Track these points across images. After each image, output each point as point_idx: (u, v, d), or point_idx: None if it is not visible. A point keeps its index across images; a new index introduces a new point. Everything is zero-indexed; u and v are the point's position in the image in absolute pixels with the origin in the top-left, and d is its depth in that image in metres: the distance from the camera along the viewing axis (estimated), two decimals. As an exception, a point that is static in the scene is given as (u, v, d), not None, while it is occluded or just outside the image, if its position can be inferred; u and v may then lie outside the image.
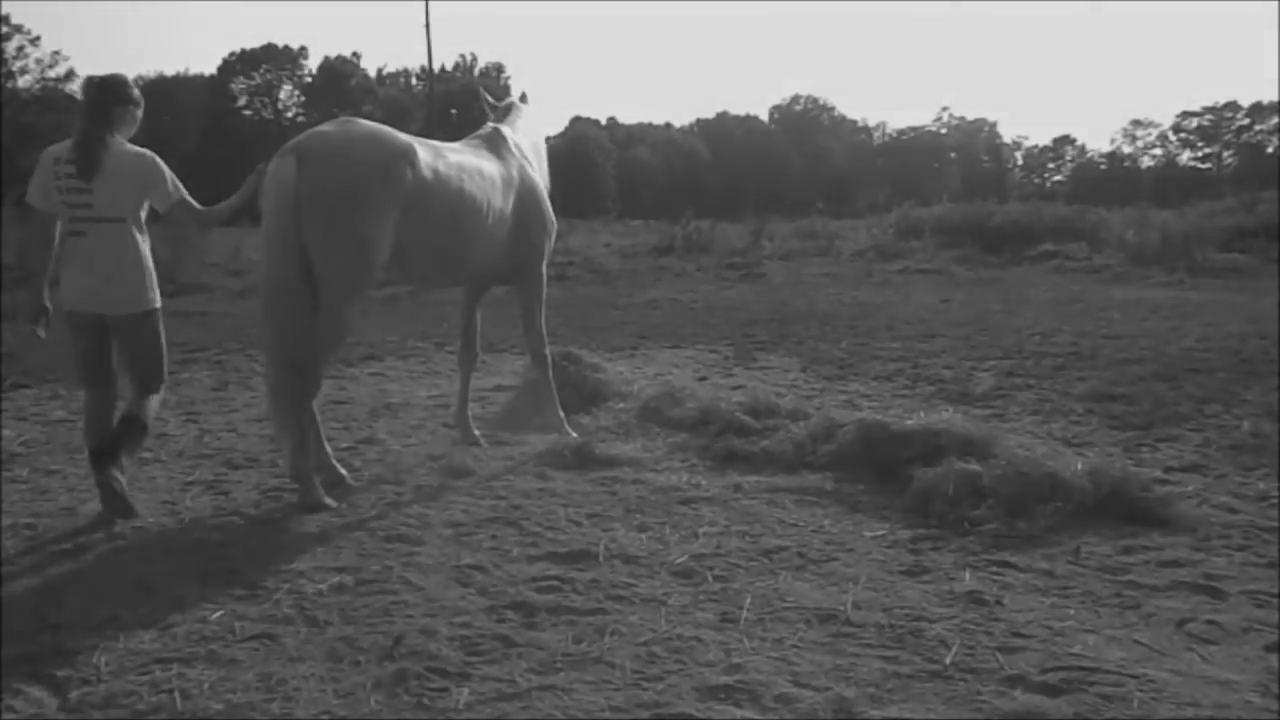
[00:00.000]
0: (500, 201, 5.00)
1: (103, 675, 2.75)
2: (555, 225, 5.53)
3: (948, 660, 2.81)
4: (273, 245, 4.23)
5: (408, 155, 4.43)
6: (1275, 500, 4.31)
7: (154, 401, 4.37)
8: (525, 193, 5.23)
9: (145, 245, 4.25)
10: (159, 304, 4.30)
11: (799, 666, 2.78)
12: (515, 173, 5.19)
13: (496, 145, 5.27)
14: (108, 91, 4.18)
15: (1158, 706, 2.55)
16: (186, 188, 4.34)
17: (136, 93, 4.32)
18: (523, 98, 6.03)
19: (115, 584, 3.45)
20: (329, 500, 4.36)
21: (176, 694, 2.63)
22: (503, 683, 2.70)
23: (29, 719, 2.55)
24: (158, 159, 4.22)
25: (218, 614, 3.16)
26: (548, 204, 5.43)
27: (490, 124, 5.51)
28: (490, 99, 5.94)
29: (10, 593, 3.38)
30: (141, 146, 4.31)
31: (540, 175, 5.51)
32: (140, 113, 4.35)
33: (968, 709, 2.56)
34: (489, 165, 5.03)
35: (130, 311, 4.19)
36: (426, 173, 4.51)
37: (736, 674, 2.72)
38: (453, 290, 5.81)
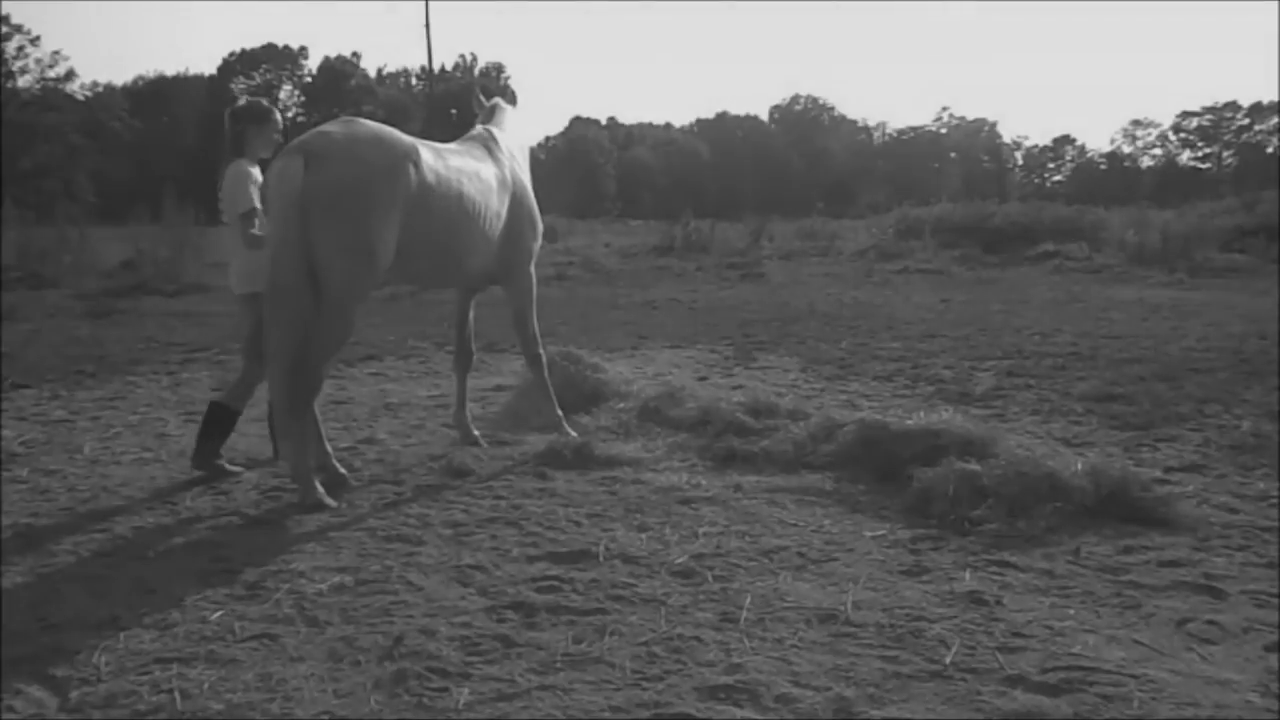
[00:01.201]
0: (496, 204, 5.02)
1: (103, 675, 2.75)
2: (541, 226, 5.54)
3: (948, 660, 2.81)
4: (278, 245, 4.23)
5: (411, 156, 4.44)
6: (1275, 500, 4.31)
7: (249, 384, 5.05)
8: (517, 194, 5.25)
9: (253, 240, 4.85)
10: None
11: (799, 666, 2.78)
12: (508, 175, 5.21)
13: (489, 147, 5.28)
14: (235, 119, 5.01)
15: (1158, 706, 2.55)
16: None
17: (262, 108, 5.10)
18: (510, 99, 6.04)
19: (115, 584, 3.45)
20: (329, 500, 4.36)
21: (176, 694, 2.63)
22: (503, 683, 2.70)
23: (29, 719, 2.55)
24: (241, 173, 4.87)
25: (218, 614, 3.16)
26: (536, 206, 5.45)
27: (480, 125, 5.52)
28: (482, 98, 5.95)
29: (10, 593, 3.38)
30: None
31: (526, 176, 5.52)
32: (271, 123, 5.04)
33: (968, 709, 2.56)
34: (485, 168, 5.04)
35: (236, 292, 5.04)
36: (429, 174, 4.52)
37: (736, 674, 2.72)
38: (448, 291, 5.82)
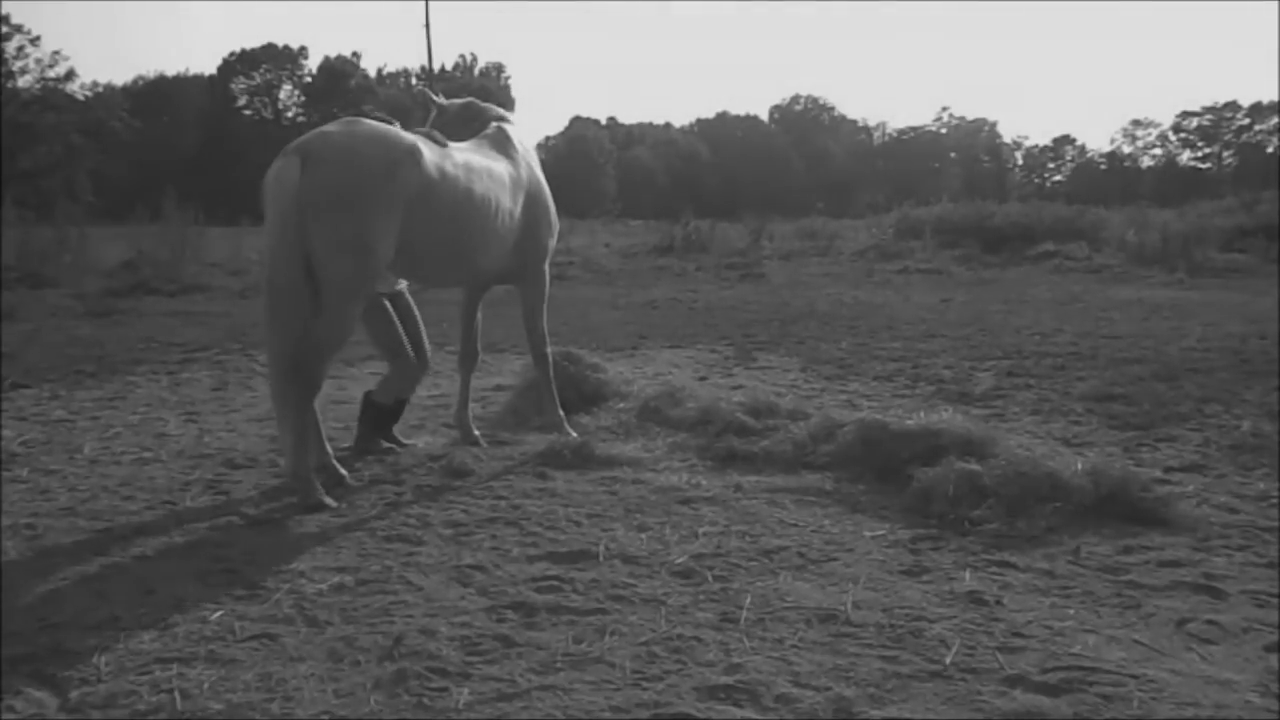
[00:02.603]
0: (509, 201, 5.02)
1: (103, 675, 2.75)
2: (558, 225, 5.55)
3: (948, 660, 2.81)
4: (276, 245, 4.22)
5: (413, 155, 4.43)
6: (1275, 500, 4.31)
7: (398, 379, 5.42)
8: (533, 192, 5.25)
9: None
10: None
11: (799, 666, 2.78)
12: (523, 172, 5.21)
13: (503, 145, 5.27)
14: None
15: (1158, 706, 2.55)
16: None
17: (434, 105, 5.62)
18: (508, 100, 6.07)
19: (115, 584, 3.45)
20: (329, 500, 4.36)
21: (176, 694, 2.63)
22: (503, 683, 2.70)
23: (29, 719, 2.55)
24: None
25: (218, 614, 3.16)
26: (552, 203, 5.45)
27: (494, 123, 5.50)
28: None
29: (10, 593, 3.38)
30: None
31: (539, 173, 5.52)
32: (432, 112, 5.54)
33: (968, 709, 2.56)
34: (498, 165, 5.04)
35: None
36: (433, 171, 4.51)
37: (736, 674, 2.72)
38: (453, 290, 5.82)
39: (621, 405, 6.07)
